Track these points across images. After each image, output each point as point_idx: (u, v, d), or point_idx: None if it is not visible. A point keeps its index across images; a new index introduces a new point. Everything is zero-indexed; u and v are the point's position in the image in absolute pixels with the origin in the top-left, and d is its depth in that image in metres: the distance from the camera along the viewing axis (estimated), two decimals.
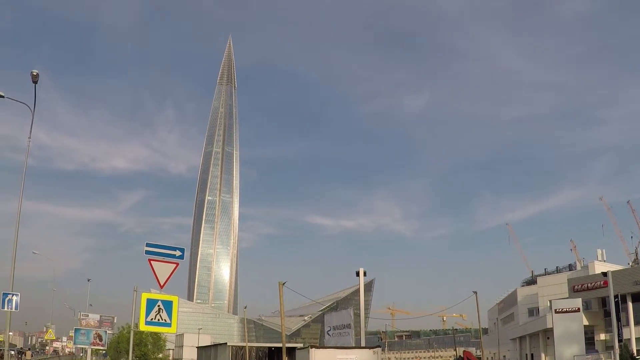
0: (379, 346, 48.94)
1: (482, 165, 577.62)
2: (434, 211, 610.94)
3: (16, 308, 35.34)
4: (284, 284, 50.97)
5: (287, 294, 52.81)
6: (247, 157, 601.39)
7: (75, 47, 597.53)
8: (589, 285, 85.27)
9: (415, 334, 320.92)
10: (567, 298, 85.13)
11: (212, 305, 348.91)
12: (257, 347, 75.53)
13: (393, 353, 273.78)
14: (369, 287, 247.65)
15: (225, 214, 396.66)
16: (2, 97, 36.39)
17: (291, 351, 56.69)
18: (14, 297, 35.11)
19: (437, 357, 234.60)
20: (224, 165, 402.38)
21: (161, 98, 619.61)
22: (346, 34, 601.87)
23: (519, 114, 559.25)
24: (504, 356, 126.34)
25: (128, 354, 29.38)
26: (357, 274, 60.19)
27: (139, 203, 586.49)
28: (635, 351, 73.89)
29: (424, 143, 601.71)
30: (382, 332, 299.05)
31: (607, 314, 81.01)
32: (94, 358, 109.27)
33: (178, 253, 22.24)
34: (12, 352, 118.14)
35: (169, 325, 21.12)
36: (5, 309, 34.95)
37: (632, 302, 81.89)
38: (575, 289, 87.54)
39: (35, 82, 35.45)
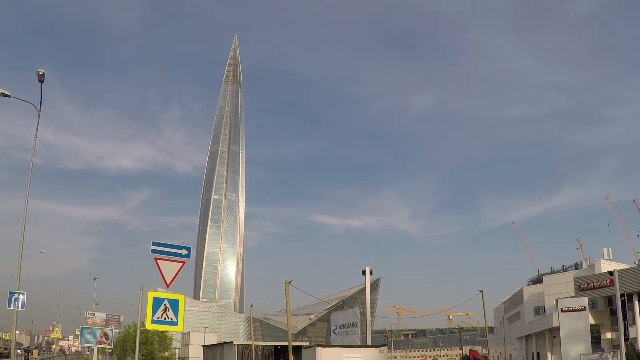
0: (385, 345, 48.96)
1: (488, 164, 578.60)
2: (440, 210, 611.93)
3: (22, 307, 35.41)
4: (290, 282, 50.94)
5: (293, 292, 52.74)
6: (252, 156, 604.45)
7: (81, 47, 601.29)
8: (595, 284, 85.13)
9: (421, 333, 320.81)
10: (573, 297, 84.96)
11: (218, 304, 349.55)
12: (263, 346, 75.41)
13: (399, 352, 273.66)
14: (375, 285, 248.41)
15: (231, 213, 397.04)
16: (8, 96, 36.43)
17: (297, 350, 56.61)
18: (21, 296, 35.18)
19: (443, 356, 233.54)
20: (230, 164, 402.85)
21: (167, 97, 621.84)
22: (350, 34, 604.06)
23: (525, 114, 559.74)
24: (510, 355, 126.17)
25: (134, 353, 29.48)
26: (363, 272, 60.15)
27: (145, 202, 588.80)
28: None
29: (429, 142, 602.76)
30: (388, 330, 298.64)
31: (614, 312, 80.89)
32: (100, 357, 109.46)
33: (184, 252, 22.23)
34: (19, 351, 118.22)
35: (175, 324, 21.13)
36: (12, 307, 35.02)
37: (639, 300, 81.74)
38: (581, 288, 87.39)
39: (41, 82, 35.48)
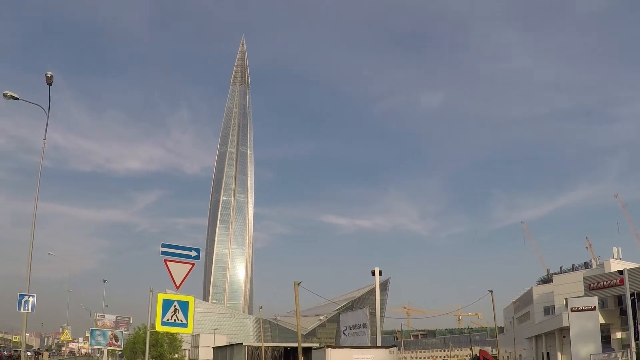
0: (394, 345, 48.94)
1: (497, 164, 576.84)
2: (449, 210, 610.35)
3: (32, 309, 35.55)
4: (299, 283, 51.00)
5: (303, 293, 52.82)
6: (261, 157, 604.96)
7: (88, 49, 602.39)
8: (605, 283, 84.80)
9: (431, 333, 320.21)
10: (583, 296, 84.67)
11: (228, 305, 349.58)
12: (273, 347, 75.50)
13: (409, 352, 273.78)
14: (384, 286, 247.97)
15: (240, 214, 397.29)
16: (17, 99, 36.59)
17: (307, 351, 56.63)
18: (30, 299, 35.32)
19: (452, 357, 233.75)
20: (239, 165, 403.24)
21: (175, 99, 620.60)
22: (357, 34, 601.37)
23: (533, 112, 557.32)
24: (520, 355, 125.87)
25: (144, 355, 29.49)
26: (373, 273, 60.16)
27: (154, 203, 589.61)
28: None
29: (438, 142, 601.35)
30: (398, 331, 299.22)
31: (624, 312, 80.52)
32: (110, 359, 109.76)
33: (194, 253, 22.31)
34: (29, 353, 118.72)
35: (185, 325, 21.19)
36: (22, 310, 35.17)
37: None
38: (591, 287, 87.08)
39: (49, 84, 35.63)
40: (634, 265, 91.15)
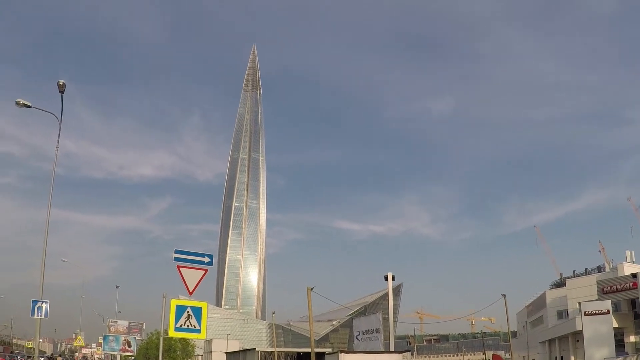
0: (408, 350, 48.97)
1: (509, 168, 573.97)
2: (462, 214, 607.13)
3: (46, 315, 35.80)
4: (312, 289, 51.05)
5: (315, 299, 52.80)
6: (273, 163, 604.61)
7: (100, 57, 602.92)
8: (619, 286, 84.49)
9: (444, 338, 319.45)
10: (596, 300, 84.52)
11: (241, 310, 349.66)
12: (286, 352, 75.69)
13: (422, 357, 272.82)
14: (397, 291, 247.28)
15: (253, 219, 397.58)
16: (30, 107, 36.84)
17: (320, 356, 56.75)
18: (44, 305, 35.58)
19: None
20: (251, 171, 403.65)
21: (187, 106, 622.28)
22: (369, 39, 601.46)
23: (545, 116, 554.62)
24: (534, 359, 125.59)
25: None
26: (386, 278, 60.20)
27: (166, 210, 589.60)
28: None
29: (450, 146, 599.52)
30: (411, 336, 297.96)
31: (637, 315, 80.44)
32: None
33: (206, 259, 22.39)
34: (42, 359, 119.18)
35: (198, 331, 21.26)
36: (35, 316, 35.41)
37: None
38: (604, 291, 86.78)
39: (61, 92, 35.87)
40: None
